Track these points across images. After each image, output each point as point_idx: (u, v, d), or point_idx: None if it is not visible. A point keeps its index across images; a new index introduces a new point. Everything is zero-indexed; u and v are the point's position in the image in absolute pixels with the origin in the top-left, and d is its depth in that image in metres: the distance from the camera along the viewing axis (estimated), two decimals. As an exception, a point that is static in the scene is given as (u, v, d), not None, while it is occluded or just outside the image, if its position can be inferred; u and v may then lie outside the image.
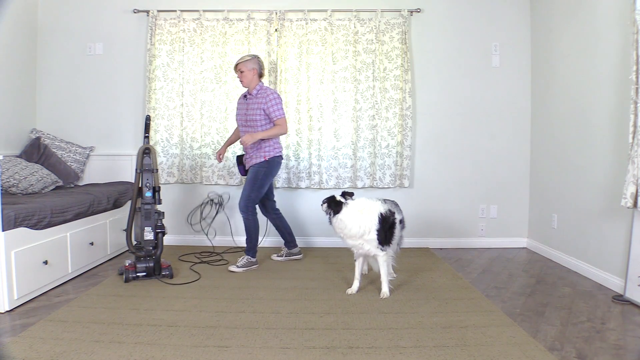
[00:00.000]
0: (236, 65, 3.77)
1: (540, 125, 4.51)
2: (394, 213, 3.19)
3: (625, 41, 3.15)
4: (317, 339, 2.47)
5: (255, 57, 3.80)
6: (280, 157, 3.90)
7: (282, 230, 4.13)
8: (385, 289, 3.15)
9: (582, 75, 3.78)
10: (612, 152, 3.38)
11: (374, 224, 3.08)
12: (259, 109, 3.75)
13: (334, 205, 3.14)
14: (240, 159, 4.01)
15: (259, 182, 3.79)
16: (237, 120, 3.97)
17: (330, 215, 3.15)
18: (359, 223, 3.08)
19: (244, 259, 3.80)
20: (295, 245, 4.19)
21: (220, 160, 4.10)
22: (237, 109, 3.97)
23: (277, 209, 4.11)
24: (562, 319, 2.78)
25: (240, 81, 3.80)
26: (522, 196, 4.74)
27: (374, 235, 3.08)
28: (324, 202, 3.19)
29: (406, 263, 4.03)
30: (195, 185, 4.68)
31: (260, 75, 3.83)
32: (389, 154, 4.59)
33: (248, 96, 3.83)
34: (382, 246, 3.10)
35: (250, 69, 3.74)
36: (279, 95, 3.81)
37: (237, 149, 4.49)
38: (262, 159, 3.78)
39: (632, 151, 2.93)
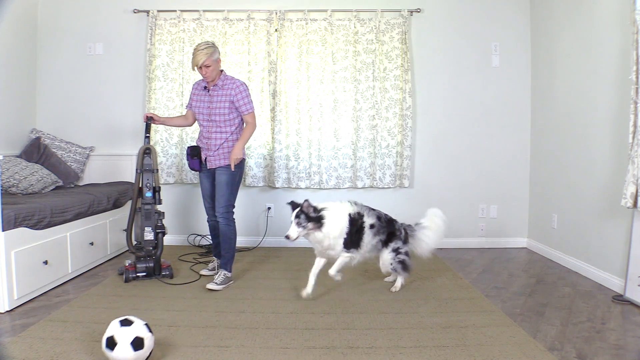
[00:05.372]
0: (203, 63, 3.22)
1: (540, 125, 4.51)
2: (362, 216, 3.10)
3: (625, 41, 3.15)
4: (317, 339, 2.47)
5: (214, 45, 3.31)
6: (245, 160, 3.67)
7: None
8: (332, 271, 3.07)
9: (582, 75, 3.78)
10: (612, 152, 3.38)
11: (344, 227, 3.00)
12: (225, 101, 3.34)
13: (314, 218, 2.91)
14: (195, 151, 3.47)
15: (236, 184, 3.46)
16: (196, 113, 3.48)
17: (306, 227, 2.90)
18: (336, 229, 2.97)
19: (220, 274, 3.38)
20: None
21: (146, 119, 3.52)
22: (193, 99, 3.49)
23: (234, 218, 3.52)
24: (562, 319, 2.78)
25: (206, 77, 3.31)
26: (522, 196, 4.74)
27: (341, 240, 3.00)
28: (301, 216, 2.89)
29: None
30: (195, 185, 4.67)
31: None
32: (389, 154, 4.59)
33: (211, 88, 3.38)
34: (348, 249, 3.03)
35: (216, 60, 3.29)
36: (247, 86, 3.43)
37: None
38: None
39: (632, 151, 2.93)
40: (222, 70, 3.42)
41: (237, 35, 4.56)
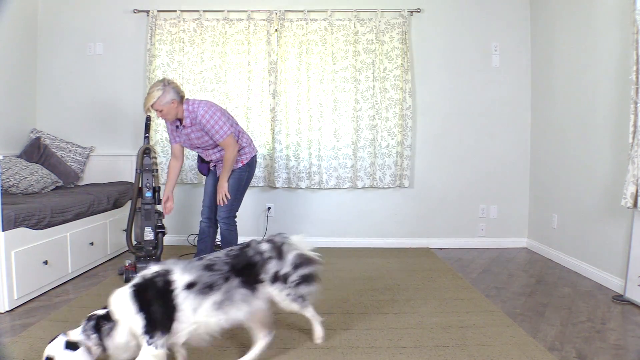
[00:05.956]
0: (151, 107, 3.07)
1: (540, 125, 4.51)
2: (168, 273, 1.98)
3: (625, 41, 3.15)
4: (317, 339, 2.47)
5: (169, 84, 3.09)
6: (256, 155, 3.48)
7: (210, 246, 3.47)
8: None
9: (582, 75, 3.78)
10: (612, 152, 3.38)
11: (131, 308, 1.89)
12: (202, 133, 3.19)
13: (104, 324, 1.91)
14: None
15: (242, 188, 3.40)
16: (182, 144, 3.36)
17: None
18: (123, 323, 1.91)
19: None
20: None
21: (169, 211, 3.42)
22: (172, 135, 3.33)
23: (235, 221, 3.46)
24: (562, 319, 2.78)
25: (164, 119, 3.20)
26: (522, 196, 4.74)
27: (139, 321, 1.88)
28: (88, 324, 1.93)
29: (406, 263, 4.04)
30: (195, 185, 4.67)
31: (182, 98, 3.16)
32: (389, 154, 4.59)
33: (181, 127, 3.23)
34: (150, 335, 1.87)
35: (169, 103, 3.07)
36: (213, 108, 3.16)
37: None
38: (240, 164, 3.34)
39: (632, 151, 2.93)
40: (185, 100, 3.18)
41: (237, 35, 4.56)
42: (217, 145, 3.29)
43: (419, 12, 4.62)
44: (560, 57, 4.12)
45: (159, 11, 4.55)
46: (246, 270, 2.11)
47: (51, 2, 4.65)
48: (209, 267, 2.04)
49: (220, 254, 2.16)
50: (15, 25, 4.35)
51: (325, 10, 4.53)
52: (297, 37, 4.55)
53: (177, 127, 3.27)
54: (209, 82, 4.55)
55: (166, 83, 3.11)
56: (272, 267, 2.16)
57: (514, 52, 4.67)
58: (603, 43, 3.49)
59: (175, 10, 4.53)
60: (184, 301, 1.94)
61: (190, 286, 1.96)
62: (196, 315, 1.96)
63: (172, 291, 1.94)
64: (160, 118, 3.23)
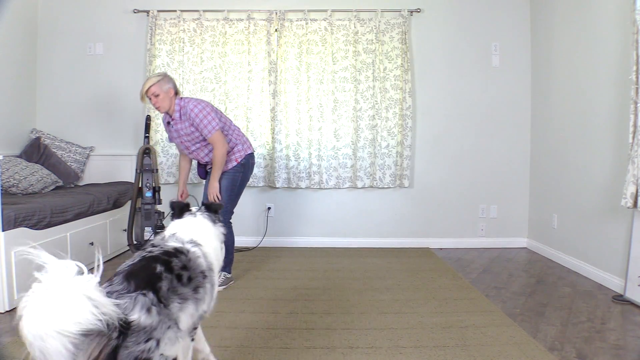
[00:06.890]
0: (148, 89, 3.14)
1: (540, 125, 4.51)
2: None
3: (625, 41, 3.15)
4: (317, 339, 2.47)
5: (166, 75, 3.25)
6: (252, 154, 3.43)
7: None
8: None
9: (582, 75, 3.78)
10: (612, 152, 3.38)
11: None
12: (191, 130, 3.20)
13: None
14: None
15: (237, 189, 3.34)
16: (177, 146, 3.44)
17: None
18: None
19: (220, 276, 3.27)
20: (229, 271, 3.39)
21: (184, 198, 3.43)
22: (169, 136, 3.41)
23: (230, 222, 3.38)
24: (562, 319, 2.78)
25: (157, 107, 3.20)
26: (522, 196, 4.74)
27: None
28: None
29: (406, 263, 4.04)
30: (195, 185, 4.67)
31: (176, 93, 3.24)
32: (389, 154, 4.60)
33: (172, 122, 3.25)
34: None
35: (166, 91, 3.15)
36: (202, 104, 3.19)
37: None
38: (235, 162, 3.30)
39: (632, 151, 2.93)
40: (181, 98, 3.24)
41: (237, 35, 4.56)
42: (206, 146, 3.27)
43: (419, 12, 4.62)
44: (560, 57, 4.12)
45: (159, 11, 4.55)
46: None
47: (51, 2, 4.65)
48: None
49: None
50: (15, 25, 4.35)
51: (325, 10, 4.53)
52: (297, 37, 4.55)
53: (168, 123, 3.29)
54: (209, 82, 4.55)
55: (166, 74, 3.23)
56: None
57: (514, 52, 4.67)
58: (603, 43, 3.49)
59: (175, 10, 4.53)
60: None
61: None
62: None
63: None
64: (155, 107, 3.23)
